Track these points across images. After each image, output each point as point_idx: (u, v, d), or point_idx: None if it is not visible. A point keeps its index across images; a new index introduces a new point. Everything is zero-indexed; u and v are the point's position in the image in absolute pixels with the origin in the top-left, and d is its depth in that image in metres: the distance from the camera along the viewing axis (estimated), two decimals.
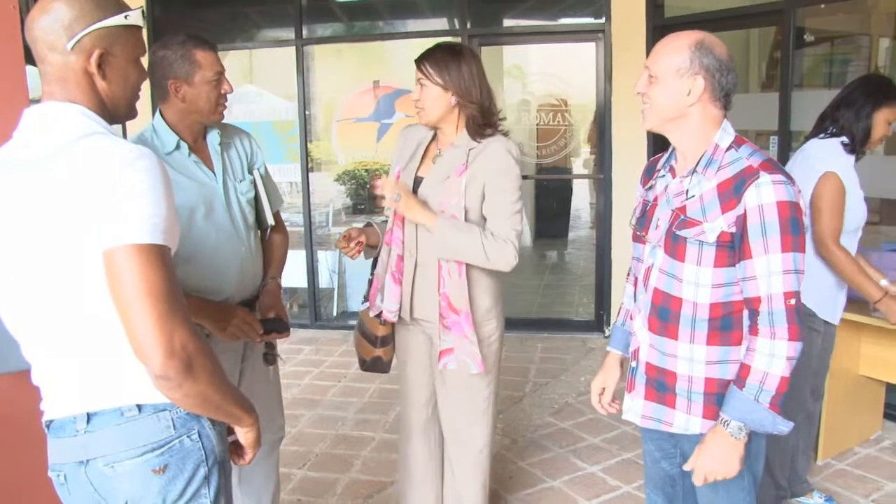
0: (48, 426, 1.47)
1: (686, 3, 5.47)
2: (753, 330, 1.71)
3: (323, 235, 6.38)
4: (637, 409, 1.95)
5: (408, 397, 2.66)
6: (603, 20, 5.43)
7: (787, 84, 4.47)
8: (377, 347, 2.58)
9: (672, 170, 1.88)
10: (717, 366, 1.79)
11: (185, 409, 1.42)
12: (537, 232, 7.53)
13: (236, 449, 1.61)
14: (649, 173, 2.00)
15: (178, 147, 2.25)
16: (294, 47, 5.90)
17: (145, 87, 1.55)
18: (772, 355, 1.67)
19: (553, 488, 3.41)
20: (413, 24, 6.42)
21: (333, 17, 6.38)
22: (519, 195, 2.36)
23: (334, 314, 6.30)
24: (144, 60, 1.52)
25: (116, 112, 1.47)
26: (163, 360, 1.28)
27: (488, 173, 2.35)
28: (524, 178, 2.47)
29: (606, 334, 5.63)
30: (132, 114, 1.53)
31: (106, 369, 1.39)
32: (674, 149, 1.89)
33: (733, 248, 1.71)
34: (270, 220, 2.48)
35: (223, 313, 2.23)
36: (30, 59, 1.72)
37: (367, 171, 6.23)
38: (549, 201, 7.21)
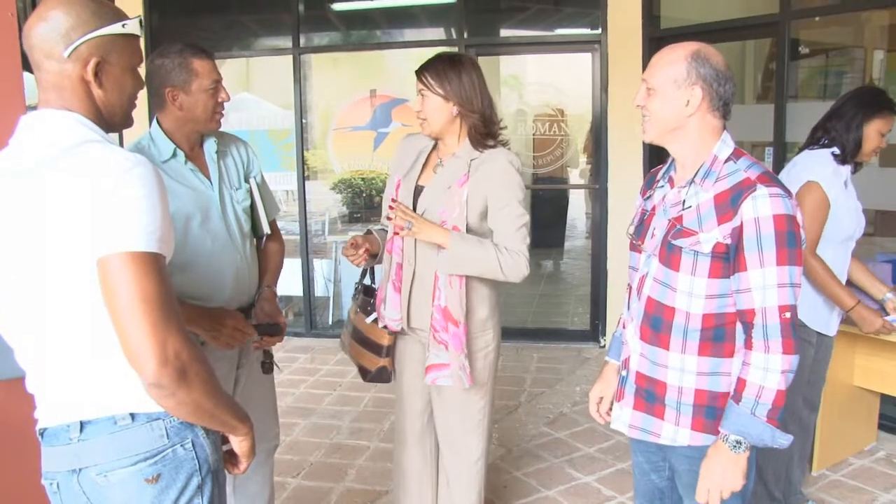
0: (42, 434, 1.47)
1: (682, 15, 5.50)
2: (748, 344, 1.70)
3: (319, 244, 6.38)
4: (625, 418, 1.95)
5: (403, 406, 2.65)
6: (599, 31, 5.45)
7: (782, 95, 4.49)
8: (382, 357, 2.56)
9: (671, 180, 1.89)
10: (708, 377, 1.79)
11: (178, 417, 1.41)
12: (533, 242, 7.42)
13: (231, 458, 1.60)
14: (649, 184, 2.01)
15: (174, 155, 2.25)
16: (291, 56, 5.91)
17: (142, 95, 1.55)
18: (766, 369, 1.67)
19: (548, 498, 3.40)
20: (410, 34, 6.44)
21: (330, 26, 6.40)
22: (524, 206, 2.37)
23: (330, 323, 6.29)
24: (142, 69, 1.52)
25: (112, 120, 1.48)
26: (156, 368, 1.27)
27: (491, 186, 2.35)
28: None
29: (602, 344, 5.63)
30: (128, 122, 1.53)
31: (100, 378, 1.39)
32: (673, 159, 1.89)
33: (728, 259, 1.71)
34: (266, 229, 2.49)
35: (215, 320, 2.22)
36: (27, 66, 1.72)
37: (363, 179, 6.24)
38: (544, 211, 7.21)
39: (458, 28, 5.75)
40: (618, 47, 5.35)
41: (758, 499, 2.92)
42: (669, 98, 1.76)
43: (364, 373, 2.63)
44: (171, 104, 2.22)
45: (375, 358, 2.57)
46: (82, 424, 1.40)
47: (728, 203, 1.70)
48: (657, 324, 1.83)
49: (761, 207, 1.65)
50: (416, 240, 2.41)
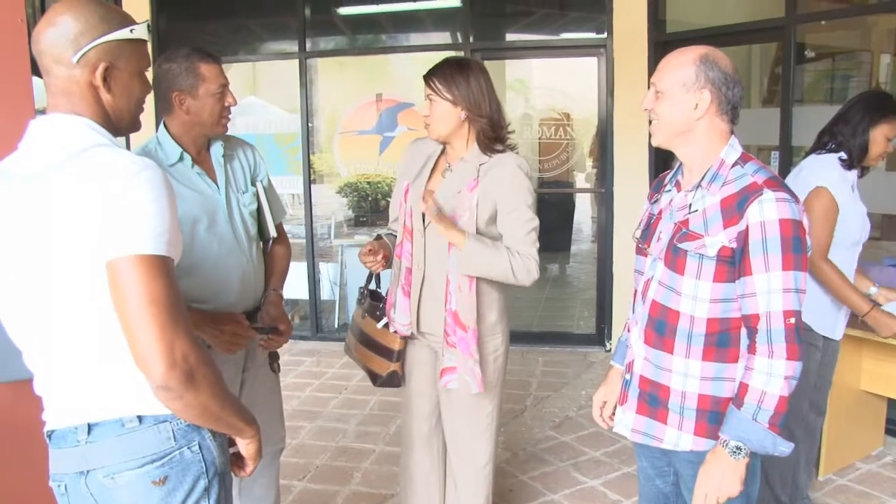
0: (49, 436, 1.48)
1: (688, 19, 5.50)
2: (752, 349, 1.70)
3: (325, 247, 6.40)
4: (628, 422, 1.94)
5: (411, 410, 2.65)
6: (605, 35, 5.45)
7: (787, 100, 4.49)
8: (394, 362, 2.55)
9: (678, 184, 1.89)
10: (711, 382, 1.78)
11: (185, 419, 1.42)
12: (539, 245, 7.45)
13: (237, 461, 1.61)
14: (657, 188, 2.01)
15: (181, 159, 2.26)
16: (297, 60, 5.93)
17: (149, 99, 1.56)
18: (769, 374, 1.66)
19: (553, 502, 3.40)
20: (416, 38, 6.46)
21: (337, 30, 6.42)
22: (533, 210, 2.37)
23: (336, 326, 6.30)
24: (149, 73, 1.54)
25: (120, 124, 1.49)
26: (164, 370, 1.28)
27: (500, 190, 2.35)
28: None
29: (607, 348, 5.62)
30: (136, 126, 1.54)
31: (107, 380, 1.39)
32: (681, 164, 1.89)
33: (733, 263, 1.70)
34: (273, 232, 2.50)
35: (215, 324, 2.23)
36: (36, 71, 1.74)
37: (368, 183, 6.26)
38: (550, 215, 7.20)
39: (464, 32, 5.77)
40: (623, 51, 5.36)
41: (764, 503, 2.91)
42: (678, 101, 1.76)
43: (374, 377, 2.61)
44: (179, 108, 2.23)
45: (386, 363, 2.56)
46: (90, 427, 1.41)
47: (734, 207, 1.70)
48: (661, 327, 1.83)
49: (767, 212, 1.65)
50: (425, 244, 2.41)
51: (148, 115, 1.59)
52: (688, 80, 1.75)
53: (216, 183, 2.32)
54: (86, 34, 1.37)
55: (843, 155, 2.77)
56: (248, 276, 2.36)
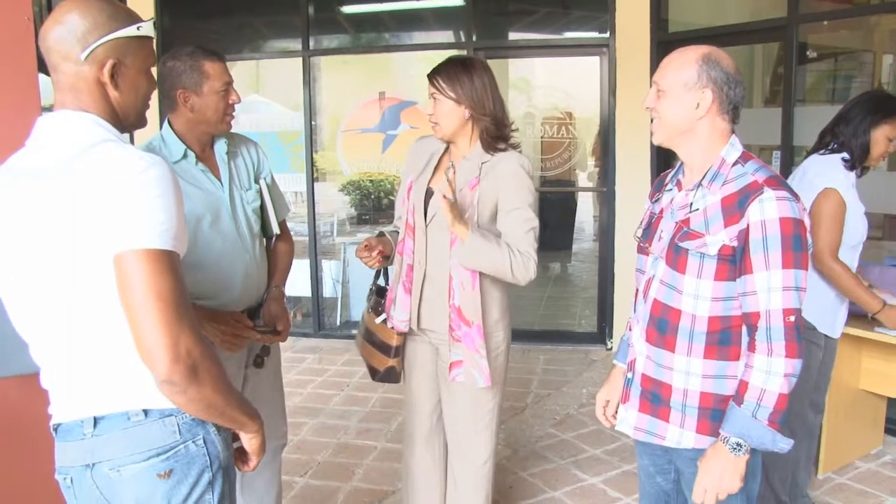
0: (56, 429, 1.49)
1: (690, 19, 5.51)
2: (752, 346, 1.70)
3: (327, 245, 6.41)
4: (630, 420, 1.95)
5: (412, 407, 2.67)
6: (607, 35, 5.46)
7: (790, 99, 4.50)
8: (391, 357, 2.57)
9: (679, 183, 1.90)
10: (713, 380, 1.79)
11: (190, 414, 1.43)
12: (541, 244, 7.43)
13: (241, 455, 1.62)
14: (658, 187, 2.02)
15: (185, 156, 2.28)
16: (301, 58, 5.95)
17: (153, 96, 1.58)
18: (768, 372, 1.67)
19: (553, 499, 3.41)
20: (419, 37, 6.48)
21: (340, 28, 6.44)
22: (533, 209, 2.37)
23: (338, 323, 6.31)
24: (154, 70, 1.55)
25: (127, 121, 1.50)
26: (168, 364, 1.29)
27: (502, 188, 2.36)
28: None
29: (609, 347, 5.64)
30: (142, 123, 1.55)
31: (113, 374, 1.41)
32: (681, 163, 1.90)
33: (734, 262, 1.71)
34: (276, 229, 2.51)
35: (215, 322, 2.25)
36: (42, 68, 1.75)
37: (371, 181, 6.27)
38: (552, 214, 7.23)
39: (467, 31, 5.78)
40: (626, 51, 5.37)
41: (764, 501, 2.93)
42: (680, 100, 1.77)
43: (373, 372, 2.65)
44: (183, 106, 2.25)
45: (384, 358, 2.59)
46: (96, 420, 1.42)
47: (735, 206, 1.70)
48: (663, 326, 1.84)
49: (768, 210, 1.65)
50: (426, 241, 2.43)
51: (151, 112, 1.60)
52: (690, 79, 1.75)
53: (220, 180, 2.33)
54: (94, 31, 1.38)
55: (846, 155, 2.78)
56: (252, 272, 2.38)
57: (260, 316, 2.41)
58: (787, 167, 4.38)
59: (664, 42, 5.17)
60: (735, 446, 1.70)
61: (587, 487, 3.51)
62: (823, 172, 2.78)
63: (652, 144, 5.15)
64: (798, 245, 1.66)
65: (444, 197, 2.19)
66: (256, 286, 2.42)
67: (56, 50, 1.39)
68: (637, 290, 1.98)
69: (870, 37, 5.11)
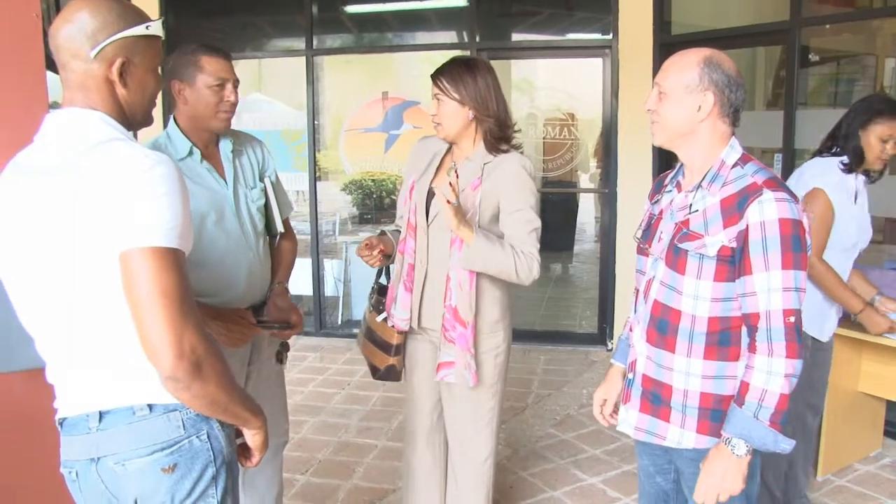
0: (61, 424, 1.51)
1: (693, 21, 5.52)
2: (752, 347, 1.71)
3: (329, 244, 6.43)
4: (631, 420, 1.96)
5: (413, 405, 2.69)
6: (610, 36, 5.48)
7: (791, 102, 4.51)
8: (392, 356, 2.59)
9: (678, 185, 1.91)
10: (713, 381, 1.80)
11: (194, 409, 1.45)
12: (542, 245, 7.45)
13: (244, 451, 1.64)
14: (657, 188, 2.03)
15: (190, 153, 2.29)
16: (304, 57, 5.96)
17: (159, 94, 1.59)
18: (769, 373, 1.68)
19: (553, 499, 3.43)
20: (422, 37, 6.49)
21: (343, 28, 6.45)
22: (535, 210, 2.39)
23: (339, 322, 6.33)
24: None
25: (134, 119, 1.52)
26: (173, 361, 1.31)
27: (504, 189, 2.37)
28: None
29: (609, 347, 5.65)
30: (148, 121, 1.57)
31: (119, 369, 1.42)
32: (681, 165, 1.91)
33: (733, 262, 1.72)
34: (280, 227, 2.52)
35: (222, 319, 2.26)
36: (50, 65, 1.77)
37: (373, 181, 6.28)
38: (554, 215, 7.23)
39: (470, 32, 5.79)
40: (629, 52, 5.38)
41: (759, 498, 2.94)
42: (681, 103, 1.78)
43: (374, 371, 2.66)
44: (177, 97, 2.28)
45: (385, 356, 2.60)
46: (101, 414, 1.44)
47: (734, 207, 1.71)
48: (663, 327, 1.85)
49: (767, 211, 1.66)
50: (428, 241, 2.44)
51: (156, 110, 1.61)
52: (691, 81, 1.76)
53: (224, 178, 2.35)
54: (103, 30, 1.40)
55: (845, 159, 2.79)
56: (255, 270, 2.39)
57: (264, 314, 2.42)
58: (789, 170, 4.38)
59: (667, 44, 5.19)
60: (737, 447, 1.70)
61: (587, 487, 3.52)
62: (816, 174, 2.80)
63: (654, 146, 5.20)
64: (797, 246, 1.67)
65: (448, 202, 2.21)
66: (260, 284, 2.43)
67: (66, 48, 1.40)
68: (637, 290, 1.99)
69: (872, 40, 5.12)
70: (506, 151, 2.42)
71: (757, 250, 1.67)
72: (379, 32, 6.50)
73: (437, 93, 2.39)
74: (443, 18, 6.36)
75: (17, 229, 1.40)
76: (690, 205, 1.81)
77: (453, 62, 2.43)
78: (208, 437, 1.49)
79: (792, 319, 1.68)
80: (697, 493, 1.78)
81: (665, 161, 5.15)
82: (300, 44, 6.04)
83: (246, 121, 5.93)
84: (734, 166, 1.78)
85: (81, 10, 1.39)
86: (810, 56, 4.89)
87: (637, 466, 2.19)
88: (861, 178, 2.86)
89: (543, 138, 6.17)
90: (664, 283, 1.85)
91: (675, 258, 1.81)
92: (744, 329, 1.77)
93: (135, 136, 3.47)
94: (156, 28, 1.47)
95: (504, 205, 2.38)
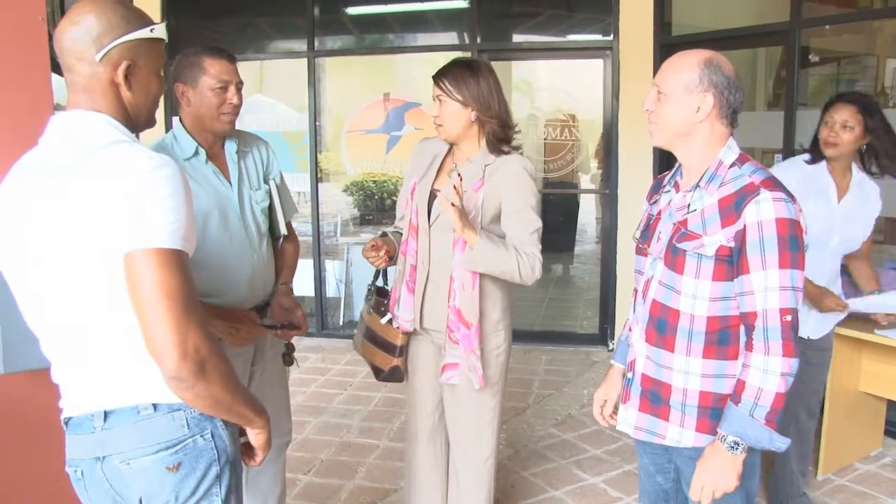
0: (66, 423, 1.52)
1: (693, 22, 5.53)
2: (749, 345, 1.72)
3: (331, 245, 6.44)
4: (630, 419, 1.97)
5: (415, 405, 2.69)
6: (611, 38, 5.49)
7: (792, 103, 4.52)
8: (396, 357, 2.60)
9: (676, 185, 1.92)
10: (712, 379, 1.81)
11: (197, 409, 1.46)
12: (543, 246, 7.47)
13: (247, 450, 1.65)
14: (655, 189, 2.04)
15: (196, 153, 2.31)
16: (306, 59, 5.98)
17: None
18: (765, 371, 1.69)
19: (554, 498, 3.44)
20: (423, 39, 6.50)
21: (345, 29, 6.46)
22: (536, 211, 2.40)
23: (341, 323, 6.34)
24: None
25: (138, 121, 1.53)
26: (177, 361, 1.32)
27: (506, 190, 2.38)
28: None
29: (610, 348, 5.66)
30: (151, 123, 1.58)
31: (123, 369, 1.43)
32: (679, 165, 1.92)
33: (731, 262, 1.73)
34: (283, 230, 2.53)
35: (228, 319, 2.28)
36: (54, 68, 1.78)
37: (374, 182, 6.29)
38: (555, 215, 7.24)
39: (471, 33, 5.80)
40: (629, 54, 5.39)
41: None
42: (680, 103, 1.79)
43: (377, 372, 2.67)
44: (181, 99, 2.30)
45: (389, 357, 2.61)
46: (106, 414, 1.45)
47: (732, 207, 1.72)
48: (662, 326, 1.86)
49: (764, 211, 1.68)
50: (430, 242, 2.45)
51: (158, 112, 1.63)
52: (691, 82, 1.77)
53: (229, 179, 2.36)
54: (108, 33, 1.41)
55: (807, 156, 2.91)
56: (258, 272, 2.40)
57: (268, 314, 2.43)
58: None
59: (667, 45, 5.20)
60: (732, 445, 1.71)
61: (588, 487, 3.53)
62: (777, 173, 2.86)
63: (654, 147, 5.21)
64: (794, 245, 1.68)
65: (453, 205, 2.21)
66: (263, 285, 2.45)
67: (71, 51, 1.41)
68: (636, 290, 2.00)
69: (873, 41, 5.12)
70: (507, 153, 2.43)
71: (754, 249, 1.68)
72: (380, 34, 6.51)
73: (438, 94, 2.40)
74: (444, 20, 6.38)
75: (21, 230, 1.42)
76: (688, 205, 1.83)
77: (455, 63, 2.44)
78: (212, 436, 1.50)
79: (788, 318, 1.69)
80: (692, 490, 1.79)
81: (665, 162, 5.16)
82: (302, 45, 6.05)
83: (247, 122, 5.94)
84: (732, 166, 1.79)
85: (87, 13, 1.41)
86: (810, 57, 4.90)
87: (638, 466, 2.20)
88: (858, 176, 2.89)
89: (544, 139, 6.18)
90: (663, 283, 1.86)
91: (674, 258, 1.82)
92: (742, 328, 1.78)
93: (137, 137, 3.47)
94: (160, 31, 1.49)
95: (505, 206, 2.39)
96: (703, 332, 1.79)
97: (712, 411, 1.82)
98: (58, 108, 1.73)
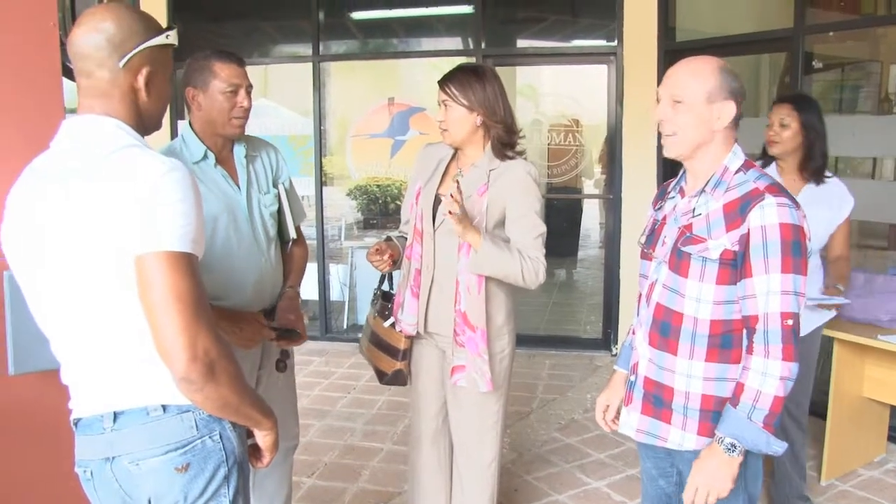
0: (76, 424, 1.53)
1: (697, 28, 5.54)
2: (749, 348, 1.73)
3: (335, 249, 6.46)
4: (632, 422, 1.97)
5: (419, 408, 2.70)
6: (615, 43, 5.50)
7: None
8: (399, 360, 2.61)
9: (682, 190, 1.92)
10: (715, 383, 1.81)
11: (206, 411, 1.47)
12: (547, 250, 7.47)
13: (254, 452, 1.66)
14: (660, 195, 2.05)
15: (205, 157, 2.32)
16: (311, 63, 6.00)
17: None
18: (765, 374, 1.69)
19: (558, 502, 3.45)
20: (428, 44, 6.52)
21: (350, 34, 6.49)
22: (540, 216, 2.41)
23: (345, 327, 6.36)
24: None
25: (150, 125, 1.55)
26: (186, 363, 1.33)
27: (510, 195, 2.40)
28: None
29: (613, 352, 5.66)
30: (159, 126, 1.60)
31: (133, 370, 1.45)
32: (684, 171, 1.92)
33: (735, 266, 1.74)
34: (293, 234, 2.54)
35: (235, 319, 2.29)
36: (63, 72, 1.80)
37: (378, 186, 6.31)
38: (558, 220, 7.25)
39: (476, 38, 5.82)
40: (633, 59, 5.41)
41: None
42: (703, 113, 1.76)
43: (381, 375, 2.68)
44: (191, 103, 2.32)
45: (392, 361, 2.62)
46: (116, 415, 1.46)
47: (737, 211, 1.73)
48: (665, 329, 1.86)
49: (769, 216, 1.68)
50: (434, 247, 2.47)
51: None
52: (713, 90, 1.75)
53: (237, 184, 2.38)
54: (130, 40, 1.43)
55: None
56: (266, 275, 2.41)
57: (275, 318, 2.44)
58: None
59: (671, 51, 5.21)
60: (729, 447, 1.72)
61: (591, 491, 3.54)
62: None
63: (658, 153, 5.22)
64: (797, 251, 1.69)
65: (451, 213, 2.21)
66: (270, 289, 2.46)
67: (93, 57, 1.42)
68: (640, 294, 2.01)
69: (876, 47, 5.14)
70: (511, 157, 2.45)
71: (757, 254, 1.69)
72: (385, 39, 6.53)
73: (444, 99, 2.42)
74: (448, 25, 6.40)
75: (32, 232, 1.43)
76: (694, 209, 1.83)
77: (461, 69, 2.46)
78: (220, 437, 1.51)
79: (789, 322, 1.69)
80: (687, 492, 1.79)
81: (670, 167, 5.16)
82: (307, 50, 6.08)
83: (252, 126, 5.85)
84: (737, 172, 1.80)
85: (107, 20, 1.42)
86: (814, 63, 4.91)
87: (640, 470, 2.21)
88: (810, 186, 2.94)
89: (548, 144, 6.19)
90: (667, 287, 1.86)
91: (679, 261, 1.82)
92: (745, 331, 1.78)
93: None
94: (174, 37, 1.51)
95: (510, 210, 2.41)
96: (707, 335, 1.80)
97: (714, 415, 1.82)
98: (70, 112, 1.75)
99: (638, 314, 2.01)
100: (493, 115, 2.40)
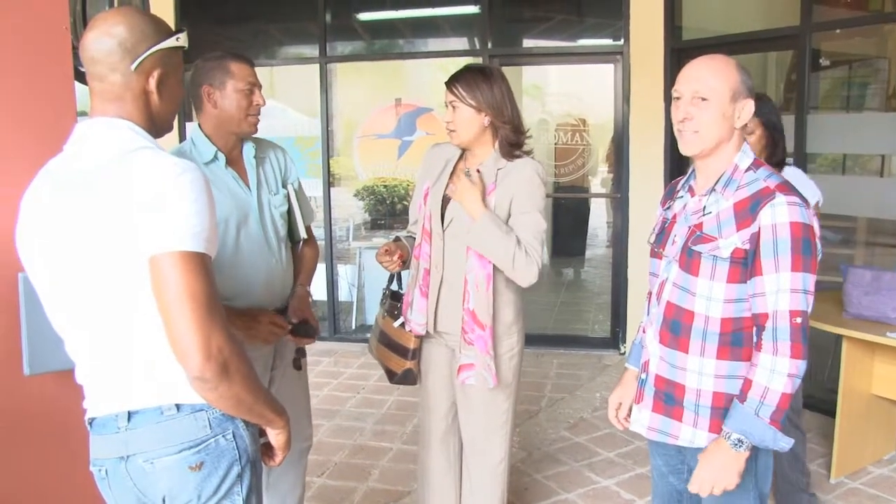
0: (91, 423, 1.55)
1: (704, 27, 5.54)
2: (758, 345, 1.73)
3: (343, 249, 6.47)
4: (644, 420, 1.98)
5: (428, 407, 2.72)
6: (622, 42, 5.50)
7: (802, 107, 4.52)
8: (409, 360, 2.62)
9: (691, 189, 1.93)
10: (726, 380, 1.82)
11: (220, 409, 1.48)
12: (555, 250, 7.58)
13: (267, 450, 1.67)
14: (669, 194, 2.05)
15: (215, 158, 2.34)
16: (318, 64, 6.02)
17: None
18: (773, 371, 1.70)
19: (567, 501, 3.45)
20: (435, 44, 6.53)
21: (357, 35, 6.50)
22: (543, 215, 2.42)
23: (353, 327, 6.38)
24: None
25: (162, 127, 1.57)
26: (200, 362, 1.35)
27: (516, 193, 2.41)
28: None
29: (622, 351, 5.66)
30: (170, 128, 1.62)
31: (147, 370, 1.46)
32: (693, 170, 1.93)
33: (746, 264, 1.74)
34: (303, 234, 2.56)
35: (249, 317, 2.31)
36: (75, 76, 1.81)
37: (385, 187, 6.32)
38: (566, 220, 7.27)
39: (482, 38, 5.83)
40: (640, 58, 5.40)
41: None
42: (726, 110, 1.77)
43: (391, 375, 2.69)
44: (207, 102, 2.33)
45: (402, 360, 2.63)
46: (130, 414, 1.48)
47: (747, 210, 1.74)
48: (676, 328, 1.87)
49: (779, 214, 1.69)
50: (443, 246, 2.48)
51: None
52: (736, 88, 1.76)
53: (247, 185, 2.39)
54: (142, 43, 1.45)
55: None
56: (276, 275, 2.43)
57: (286, 317, 2.46)
58: None
59: (678, 49, 5.21)
60: (736, 442, 1.72)
61: (601, 489, 3.55)
62: None
63: (665, 151, 5.22)
64: (807, 249, 1.69)
65: (467, 176, 2.22)
66: (281, 289, 2.47)
67: (106, 61, 1.44)
68: (650, 293, 2.01)
69: (884, 44, 5.12)
70: (519, 157, 2.46)
71: (768, 252, 1.70)
72: (392, 39, 6.54)
73: (452, 100, 2.43)
74: (455, 25, 6.41)
75: (47, 234, 1.45)
76: (704, 208, 1.84)
77: (468, 69, 2.47)
78: (234, 436, 1.53)
79: (798, 320, 1.70)
80: (692, 484, 1.79)
81: (676, 165, 5.16)
82: (314, 51, 6.10)
83: (260, 128, 5.93)
84: (747, 171, 1.80)
85: (119, 24, 1.44)
86: (821, 60, 4.90)
87: (650, 467, 2.22)
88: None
89: (555, 144, 6.20)
90: (677, 285, 1.87)
91: (689, 260, 1.83)
92: (755, 329, 1.79)
93: None
94: (184, 39, 1.53)
95: (514, 207, 2.42)
96: (717, 333, 1.81)
97: (725, 412, 1.82)
98: (82, 115, 1.77)
99: (648, 312, 2.02)
100: (501, 116, 2.41)
